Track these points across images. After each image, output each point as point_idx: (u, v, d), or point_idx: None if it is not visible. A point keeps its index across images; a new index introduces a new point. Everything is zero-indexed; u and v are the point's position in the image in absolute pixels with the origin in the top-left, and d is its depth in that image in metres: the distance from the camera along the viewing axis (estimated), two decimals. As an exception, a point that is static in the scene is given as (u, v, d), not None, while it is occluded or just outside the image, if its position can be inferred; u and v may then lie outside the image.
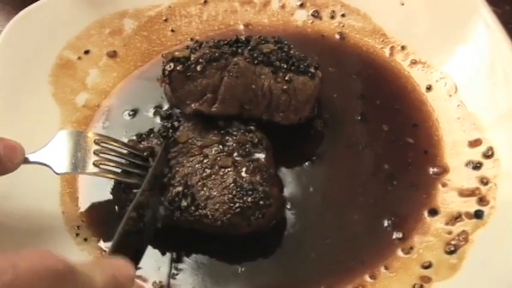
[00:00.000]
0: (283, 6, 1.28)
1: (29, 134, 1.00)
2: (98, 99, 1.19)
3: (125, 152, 1.01)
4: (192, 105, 1.04)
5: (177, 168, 0.98)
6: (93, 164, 0.96)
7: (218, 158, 0.98)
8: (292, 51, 1.07)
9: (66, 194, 1.06)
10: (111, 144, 1.00)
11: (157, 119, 1.14)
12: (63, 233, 1.01)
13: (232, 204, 0.93)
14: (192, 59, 1.03)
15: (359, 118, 1.12)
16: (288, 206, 1.02)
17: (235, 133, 1.01)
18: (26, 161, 0.93)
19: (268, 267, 0.97)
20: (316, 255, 0.97)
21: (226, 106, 1.04)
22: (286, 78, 1.03)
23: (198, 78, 1.04)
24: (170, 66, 1.04)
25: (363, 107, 1.13)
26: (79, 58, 1.21)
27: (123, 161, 1.00)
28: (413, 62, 1.17)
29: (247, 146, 0.99)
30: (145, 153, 1.02)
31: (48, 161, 0.94)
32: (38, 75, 1.16)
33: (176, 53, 1.05)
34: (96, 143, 0.98)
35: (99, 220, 1.04)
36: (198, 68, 1.03)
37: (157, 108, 1.16)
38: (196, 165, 0.98)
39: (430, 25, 1.18)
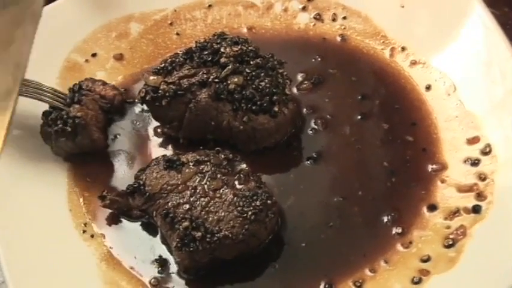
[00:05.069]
0: (285, 10, 1.30)
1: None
2: (105, 100, 1.21)
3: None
4: (164, 128, 1.14)
5: (174, 208, 0.97)
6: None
7: (206, 185, 0.98)
8: (266, 81, 1.07)
9: (73, 192, 1.08)
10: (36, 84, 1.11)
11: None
12: (70, 230, 1.04)
13: (245, 215, 0.94)
14: (160, 91, 1.08)
15: (359, 117, 1.14)
16: (289, 203, 1.04)
17: (206, 159, 1.01)
18: None
19: (271, 262, 0.99)
20: (317, 250, 0.99)
21: (190, 133, 1.11)
22: (244, 119, 1.06)
23: (165, 109, 1.09)
24: (143, 92, 1.10)
25: (363, 106, 1.15)
26: (86, 61, 1.24)
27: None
28: (413, 63, 1.19)
29: (224, 164, 1.00)
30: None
31: None
32: (47, 77, 1.18)
33: (150, 78, 1.10)
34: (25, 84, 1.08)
35: (105, 218, 1.06)
36: (164, 102, 1.08)
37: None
38: (191, 199, 0.97)
39: (429, 26, 1.20)
